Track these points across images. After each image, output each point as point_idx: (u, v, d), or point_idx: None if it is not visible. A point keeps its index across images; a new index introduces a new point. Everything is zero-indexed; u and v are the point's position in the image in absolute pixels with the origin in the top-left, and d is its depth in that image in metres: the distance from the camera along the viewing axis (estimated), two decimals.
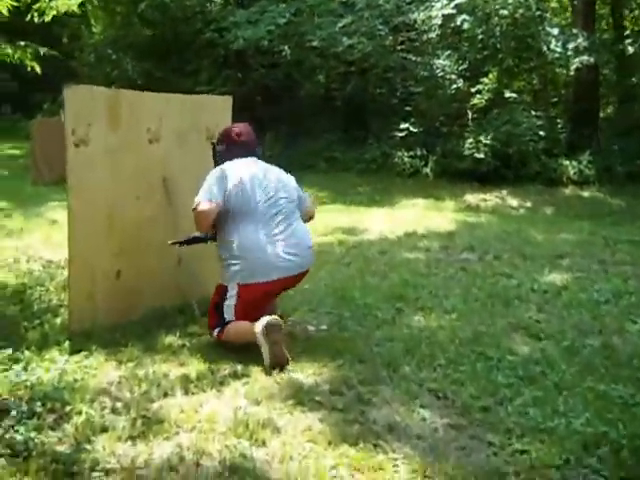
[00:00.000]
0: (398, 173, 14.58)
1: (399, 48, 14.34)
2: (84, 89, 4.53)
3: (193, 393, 3.74)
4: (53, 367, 3.88)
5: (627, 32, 15.34)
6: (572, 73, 14.01)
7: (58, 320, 4.71)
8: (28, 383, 3.60)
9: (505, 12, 12.33)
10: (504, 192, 13.35)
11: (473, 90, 14.75)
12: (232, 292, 4.35)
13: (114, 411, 3.47)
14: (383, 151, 15.14)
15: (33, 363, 3.90)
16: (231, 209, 4.29)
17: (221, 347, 4.33)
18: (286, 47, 14.37)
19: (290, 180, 4.65)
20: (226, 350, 4.28)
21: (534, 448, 3.21)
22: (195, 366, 4.07)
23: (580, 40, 12.87)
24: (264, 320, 4.09)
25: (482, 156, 13.30)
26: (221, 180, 4.28)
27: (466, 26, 12.79)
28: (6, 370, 3.76)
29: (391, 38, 13.87)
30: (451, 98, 14.47)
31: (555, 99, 16.68)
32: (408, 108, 14.94)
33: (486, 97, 14.74)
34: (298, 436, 3.27)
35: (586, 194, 13.87)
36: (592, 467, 3.08)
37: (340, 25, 13.44)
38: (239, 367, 4.06)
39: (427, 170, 14.38)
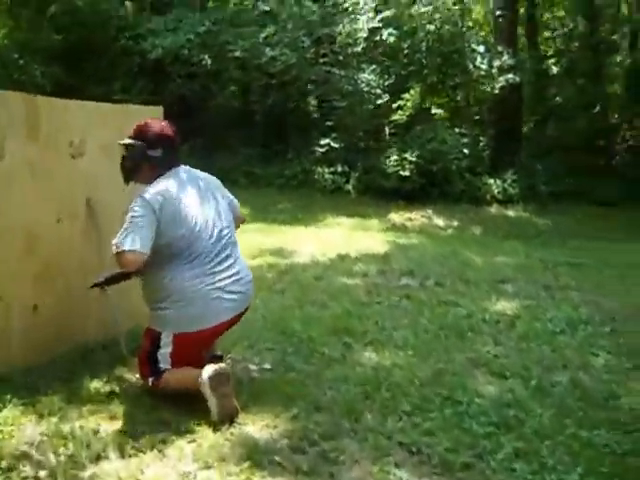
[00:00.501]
0: (319, 190, 14.17)
1: (322, 61, 13.94)
2: (2, 95, 3.87)
3: (130, 455, 3.19)
4: None
5: (550, 52, 15.36)
6: (497, 91, 13.88)
7: None
8: None
9: (431, 27, 12.09)
10: (429, 211, 13.15)
11: (394, 106, 14.50)
12: (166, 340, 3.74)
13: None
14: (304, 167, 14.67)
15: None
16: (170, 253, 3.66)
17: (156, 395, 3.77)
18: (206, 57, 13.74)
19: (220, 190, 4.03)
20: (164, 399, 3.72)
21: None
22: (129, 420, 3.50)
23: (505, 58, 12.75)
24: (210, 370, 3.52)
25: (407, 174, 13.05)
26: (153, 224, 3.55)
27: (392, 40, 12.50)
28: None
29: (313, 50, 13.43)
30: (372, 113, 14.14)
31: (477, 117, 16.58)
32: (329, 123, 14.54)
33: (407, 113, 14.53)
34: None
35: (511, 213, 13.82)
36: None
37: (263, 36, 12.97)
38: (182, 421, 3.52)
39: (349, 187, 14.03)
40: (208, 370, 3.51)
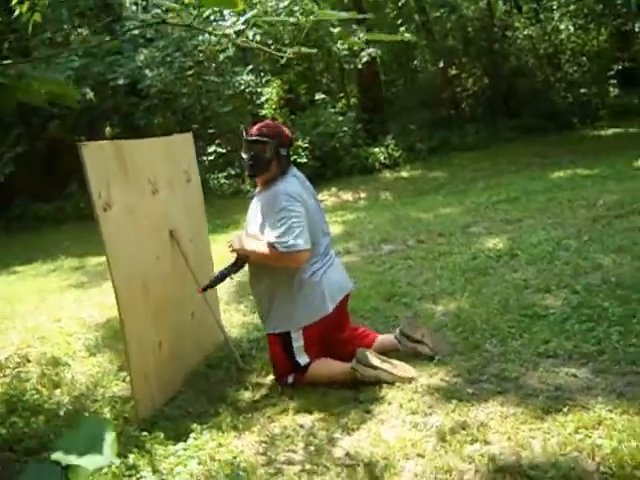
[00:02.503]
0: (219, 196, 14.48)
1: (190, 73, 14.21)
2: (96, 145, 4.06)
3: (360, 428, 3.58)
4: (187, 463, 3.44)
5: (400, 20, 16.34)
6: (360, 67, 14.68)
7: (108, 415, 4.16)
8: None
9: (293, 20, 12.65)
10: (334, 189, 13.73)
11: (262, 100, 15.01)
12: (296, 335, 4.11)
13: None
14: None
15: (160, 465, 3.41)
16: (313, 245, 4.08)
17: (314, 390, 4.09)
18: (88, 90, 13.66)
19: None
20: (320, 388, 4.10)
21: None
22: (319, 410, 3.88)
23: (362, 35, 13.48)
24: (358, 354, 4.00)
25: (305, 160, 13.58)
26: (305, 217, 3.91)
27: (257, 39, 12.98)
28: None
29: (186, 64, 13.69)
30: (251, 111, 14.60)
31: (342, 94, 17.38)
32: (211, 131, 14.87)
33: (273, 106, 15.08)
34: None
35: (404, 174, 14.70)
36: None
37: (141, 59, 13.09)
38: (365, 398, 3.92)
39: (247, 187, 14.42)
40: (357, 356, 3.97)
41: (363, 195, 13.27)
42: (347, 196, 13.39)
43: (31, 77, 2.47)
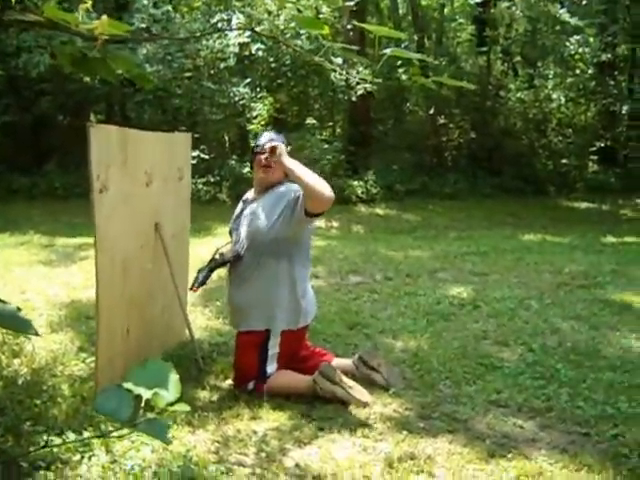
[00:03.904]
0: (195, 201, 14.49)
1: (188, 75, 14.33)
2: (104, 128, 4.16)
3: (305, 444, 3.70)
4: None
5: (399, 62, 16.62)
6: (354, 99, 14.92)
7: (66, 393, 4.21)
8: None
9: (298, 42, 12.87)
10: None
11: (254, 114, 15.19)
12: (274, 340, 4.26)
13: None
14: None
15: (114, 446, 3.47)
16: (303, 249, 4.28)
17: (270, 400, 4.20)
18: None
19: None
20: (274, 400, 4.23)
21: None
22: (273, 419, 4.01)
23: (361, 69, 13.75)
24: (322, 368, 4.15)
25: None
26: None
27: (260, 54, 13.17)
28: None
29: (190, 66, 13.83)
30: (239, 123, 14.75)
31: (331, 123, 17.61)
32: (197, 135, 14.95)
33: (262, 122, 15.27)
34: None
35: (379, 211, 14.92)
36: None
37: (143, 52, 13.18)
38: (317, 412, 4.08)
39: (223, 196, 14.52)
40: (321, 369, 4.12)
41: (336, 224, 13.42)
42: (320, 223, 13.48)
43: (114, 54, 2.65)
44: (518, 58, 19.88)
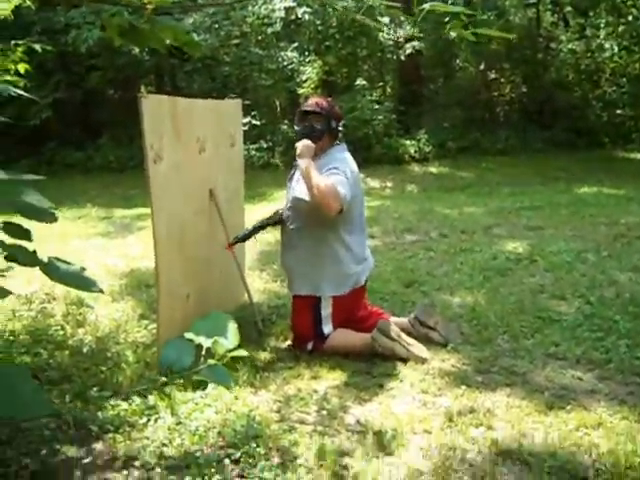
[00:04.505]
0: (249, 166, 14.59)
1: (236, 42, 14.36)
2: (155, 98, 4.21)
3: (369, 400, 3.76)
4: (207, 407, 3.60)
5: (447, 18, 16.36)
6: (403, 59, 14.79)
7: (130, 359, 4.31)
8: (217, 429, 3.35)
9: (343, 3, 12.76)
10: (362, 175, 13.82)
11: (304, 78, 15.17)
12: (325, 302, 4.32)
13: None
14: None
15: (179, 409, 3.56)
16: (352, 219, 4.27)
17: (330, 359, 4.27)
18: (134, 47, 13.82)
19: None
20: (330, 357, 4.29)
21: None
22: (333, 377, 4.07)
23: (408, 28, 13.62)
24: (381, 325, 4.22)
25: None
26: (353, 187, 4.08)
27: (307, 17, 13.12)
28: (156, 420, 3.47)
29: (237, 33, 13.85)
30: (290, 88, 14.77)
31: (381, 83, 17.51)
32: (247, 102, 15.01)
33: (312, 85, 15.25)
34: None
35: (433, 169, 14.86)
36: None
37: (189, 22, 13.24)
38: (380, 369, 4.14)
39: (277, 161, 14.58)
40: (379, 326, 4.19)
41: (390, 184, 13.41)
42: (374, 183, 13.53)
43: (162, 24, 2.72)
44: (569, 8, 19.40)
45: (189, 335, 1.59)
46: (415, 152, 15.22)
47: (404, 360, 4.09)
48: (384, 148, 14.93)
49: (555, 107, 17.77)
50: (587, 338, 4.48)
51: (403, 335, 4.13)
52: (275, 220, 4.44)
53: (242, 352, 1.69)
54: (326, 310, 4.32)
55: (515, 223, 8.17)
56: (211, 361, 1.94)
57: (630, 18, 18.28)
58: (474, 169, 14.57)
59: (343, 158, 4.21)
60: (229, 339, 1.59)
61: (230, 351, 1.64)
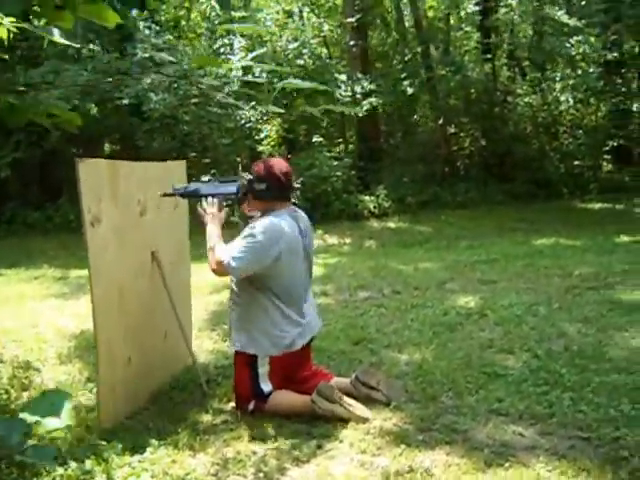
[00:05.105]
0: None
1: (194, 101, 14.46)
2: (92, 162, 4.21)
3: (303, 462, 3.71)
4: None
5: (404, 75, 16.69)
6: (361, 115, 14.98)
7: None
8: None
9: (300, 62, 12.98)
10: (320, 232, 13.91)
11: (262, 136, 15.28)
12: (262, 361, 4.30)
13: None
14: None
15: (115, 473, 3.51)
16: (277, 290, 4.25)
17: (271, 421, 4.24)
18: (92, 105, 13.87)
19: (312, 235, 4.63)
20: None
21: None
22: (272, 439, 4.02)
23: (365, 84, 13.83)
24: (321, 387, 4.19)
25: (295, 201, 13.70)
26: (264, 257, 4.11)
27: (264, 76, 13.27)
28: None
29: (195, 92, 13.96)
30: (250, 146, 14.86)
31: (340, 139, 17.68)
32: (207, 160, 15.11)
33: (272, 143, 15.38)
34: None
35: (392, 225, 14.93)
36: None
37: (147, 81, 13.34)
38: (319, 429, 4.10)
39: (236, 219, 14.57)
40: (318, 388, 4.15)
41: (348, 241, 13.47)
42: (332, 240, 13.58)
43: (40, 102, 2.74)
44: (526, 63, 19.85)
45: (23, 414, 1.57)
46: (374, 207, 15.35)
47: (345, 420, 4.04)
48: (343, 204, 15.06)
49: (514, 160, 18.08)
50: (532, 393, 4.47)
51: (344, 397, 4.09)
52: (231, 193, 4.45)
53: (62, 433, 1.69)
54: (263, 368, 4.29)
55: (469, 277, 8.20)
56: (31, 441, 1.91)
57: (582, 71, 18.69)
58: (434, 223, 14.71)
59: (269, 224, 4.15)
60: (62, 418, 1.58)
61: (51, 431, 1.63)
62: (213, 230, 4.23)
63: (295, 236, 4.29)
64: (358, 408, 4.10)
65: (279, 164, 4.35)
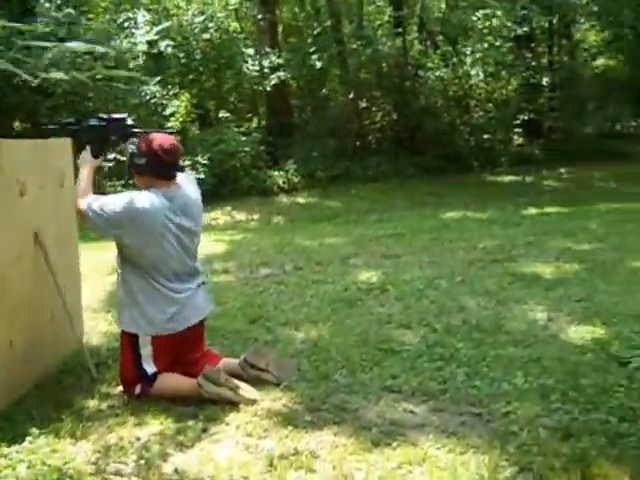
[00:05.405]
0: None
1: (99, 77, 14.00)
2: None
3: (187, 447, 3.58)
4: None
5: (313, 49, 16.53)
6: (269, 89, 14.79)
7: None
8: None
9: (206, 36, 12.69)
10: (228, 208, 13.75)
11: (168, 112, 14.95)
12: (143, 340, 4.14)
13: None
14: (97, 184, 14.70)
15: None
16: (151, 264, 4.10)
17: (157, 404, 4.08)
18: None
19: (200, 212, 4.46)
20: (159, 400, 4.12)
21: None
22: (158, 423, 3.87)
23: (273, 58, 13.65)
24: (206, 370, 4.05)
25: (202, 176, 13.51)
26: (120, 224, 4.05)
27: (169, 50, 12.96)
28: None
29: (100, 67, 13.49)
30: (159, 122, 14.48)
31: (250, 114, 17.42)
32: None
33: (180, 119, 15.05)
34: None
35: (301, 200, 14.85)
36: None
37: (48, 56, 12.80)
38: (206, 411, 3.97)
39: None
40: (204, 372, 4.02)
41: (256, 217, 13.34)
42: (240, 216, 13.43)
43: None
44: (440, 37, 19.96)
45: None
46: (283, 183, 15.24)
47: (234, 403, 3.93)
48: (252, 180, 14.89)
49: (425, 133, 18.18)
50: (426, 368, 4.43)
51: (230, 378, 3.98)
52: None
53: None
54: (145, 348, 4.12)
55: (374, 252, 8.18)
56: None
57: (495, 45, 18.86)
58: (344, 198, 14.69)
59: (143, 195, 4.04)
60: None
61: None
62: (81, 175, 4.22)
63: (159, 215, 4.05)
64: (246, 390, 3.98)
65: (161, 139, 4.13)
